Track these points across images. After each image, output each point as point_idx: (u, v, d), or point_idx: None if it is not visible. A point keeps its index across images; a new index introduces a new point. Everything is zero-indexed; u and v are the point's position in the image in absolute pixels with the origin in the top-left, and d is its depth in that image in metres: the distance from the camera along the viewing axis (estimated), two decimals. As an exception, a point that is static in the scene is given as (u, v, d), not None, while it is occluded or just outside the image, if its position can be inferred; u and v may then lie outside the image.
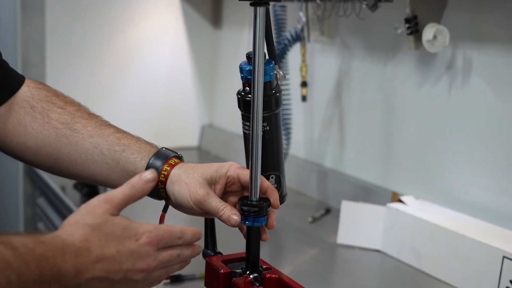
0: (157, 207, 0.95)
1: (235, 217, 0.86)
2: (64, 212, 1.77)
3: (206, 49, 2.40)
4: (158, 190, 0.92)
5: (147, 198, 0.93)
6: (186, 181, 0.89)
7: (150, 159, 0.92)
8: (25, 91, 0.98)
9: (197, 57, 2.38)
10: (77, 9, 2.13)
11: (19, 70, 2.12)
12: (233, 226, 0.87)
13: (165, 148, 0.95)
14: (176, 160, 0.93)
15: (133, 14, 2.22)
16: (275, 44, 1.59)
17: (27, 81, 0.99)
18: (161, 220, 0.93)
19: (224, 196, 0.92)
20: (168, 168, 0.91)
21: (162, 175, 0.90)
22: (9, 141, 0.97)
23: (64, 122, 0.95)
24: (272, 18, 1.62)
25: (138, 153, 0.93)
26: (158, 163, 0.91)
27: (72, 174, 0.97)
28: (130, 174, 0.91)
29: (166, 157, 0.92)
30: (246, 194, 0.91)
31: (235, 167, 0.91)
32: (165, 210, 0.94)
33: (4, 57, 0.99)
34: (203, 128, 2.43)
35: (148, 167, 0.91)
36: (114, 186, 0.95)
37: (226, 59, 2.35)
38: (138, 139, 0.96)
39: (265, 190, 0.89)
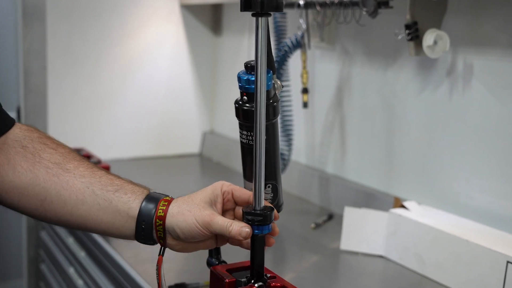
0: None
1: (247, 229, 0.86)
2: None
3: (206, 56, 2.41)
4: (155, 229, 0.90)
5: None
6: (188, 208, 0.89)
7: (142, 202, 0.91)
8: (17, 132, 0.95)
9: (198, 64, 2.39)
10: (77, 18, 2.14)
11: (21, 80, 2.13)
12: (245, 238, 0.87)
13: (155, 192, 0.95)
14: (169, 198, 0.93)
15: (134, 22, 2.23)
16: (275, 51, 1.61)
17: (18, 124, 0.97)
18: (159, 263, 0.91)
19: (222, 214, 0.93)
20: (166, 203, 0.90)
21: (161, 210, 0.89)
22: None
23: (56, 162, 0.93)
24: (272, 26, 1.62)
25: (132, 192, 0.92)
26: (150, 205, 0.90)
27: (58, 217, 0.93)
28: (123, 215, 0.91)
29: (158, 198, 0.92)
30: (239, 212, 0.93)
31: (227, 185, 0.93)
32: (162, 253, 0.92)
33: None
34: (204, 134, 2.44)
35: (141, 210, 0.90)
36: (100, 230, 0.93)
37: (226, 66, 2.36)
38: (131, 181, 0.95)
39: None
